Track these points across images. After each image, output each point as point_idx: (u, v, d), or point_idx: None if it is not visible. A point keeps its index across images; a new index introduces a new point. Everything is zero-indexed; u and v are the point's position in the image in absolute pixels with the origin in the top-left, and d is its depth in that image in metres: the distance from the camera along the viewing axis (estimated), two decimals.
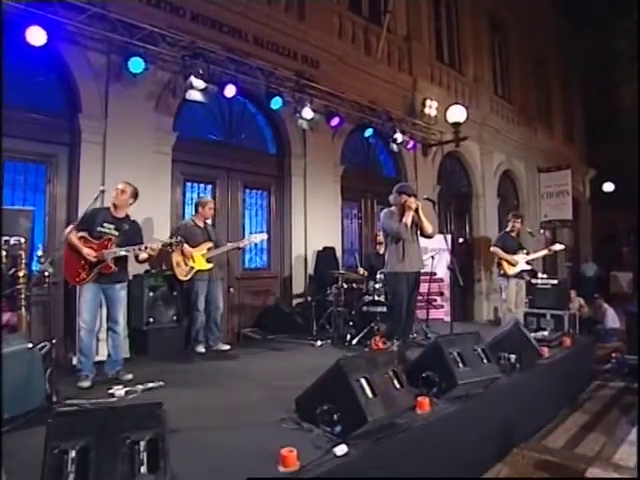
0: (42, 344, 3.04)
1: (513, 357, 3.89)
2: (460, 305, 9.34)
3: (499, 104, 11.70)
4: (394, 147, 7.65)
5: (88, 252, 3.63)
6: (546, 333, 5.24)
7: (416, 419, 2.79)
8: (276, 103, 6.08)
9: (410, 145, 8.14)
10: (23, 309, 3.74)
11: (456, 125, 8.56)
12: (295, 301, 6.65)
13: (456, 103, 8.54)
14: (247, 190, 6.61)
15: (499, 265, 5.83)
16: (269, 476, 2.09)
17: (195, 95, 5.17)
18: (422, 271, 8.03)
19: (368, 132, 7.51)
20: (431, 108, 8.66)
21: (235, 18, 6.10)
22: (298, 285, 6.74)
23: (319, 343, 5.22)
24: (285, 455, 2.16)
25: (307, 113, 6.23)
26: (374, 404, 2.44)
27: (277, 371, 4.02)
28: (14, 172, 4.61)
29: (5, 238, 3.93)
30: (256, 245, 6.61)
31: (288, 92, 6.30)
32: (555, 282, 6.17)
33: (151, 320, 4.75)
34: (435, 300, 8.35)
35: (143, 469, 1.72)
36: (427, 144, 9.02)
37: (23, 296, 3.74)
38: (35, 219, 4.26)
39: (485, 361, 3.28)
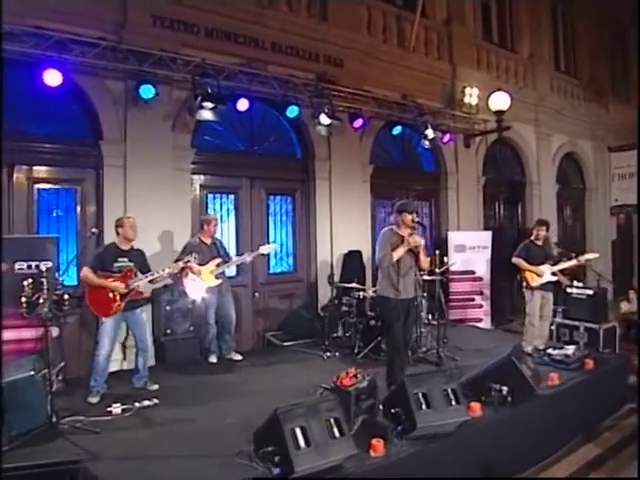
0: (44, 370, 3.46)
1: (505, 389, 3.72)
2: (509, 303, 8.84)
3: (561, 80, 10.67)
4: (425, 143, 7.33)
5: (117, 285, 4.00)
6: (569, 352, 4.86)
7: (367, 462, 2.82)
8: (292, 112, 6.10)
9: (446, 138, 7.74)
10: (47, 329, 4.24)
11: (499, 113, 7.99)
12: (321, 305, 6.76)
13: (499, 89, 7.93)
14: (271, 196, 6.75)
15: (522, 277, 5.46)
16: None
17: (206, 115, 5.34)
18: (460, 269, 7.93)
19: (396, 130, 7.27)
20: (471, 96, 8.12)
21: (250, 27, 6.13)
22: (325, 290, 6.82)
23: (327, 355, 5.33)
24: None
25: (324, 119, 6.16)
26: (305, 454, 2.52)
27: (268, 390, 4.17)
28: (47, 197, 5.13)
29: (35, 263, 4.48)
30: (281, 250, 6.83)
31: (306, 98, 6.27)
32: (590, 292, 5.66)
33: (168, 331, 5.15)
34: (473, 299, 8.06)
35: None
36: (469, 135, 8.53)
37: (47, 317, 4.23)
38: (60, 244, 4.76)
39: (453, 403, 3.18)
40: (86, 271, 4.03)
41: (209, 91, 5.30)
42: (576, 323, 5.64)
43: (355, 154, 7.19)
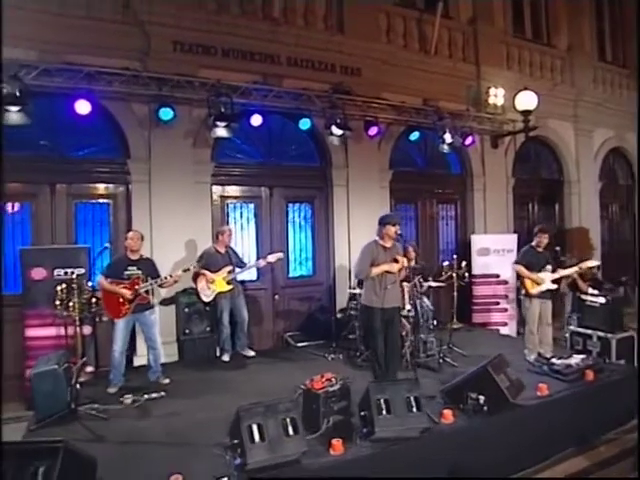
0: (64, 364, 4.04)
1: (482, 398, 3.83)
2: None
3: (606, 71, 10.10)
4: (444, 148, 7.34)
5: (125, 292, 4.58)
6: (573, 362, 4.79)
7: (323, 460, 3.10)
8: (305, 124, 6.41)
9: (469, 141, 7.69)
10: (77, 329, 4.90)
11: (526, 113, 7.78)
12: (339, 308, 7.03)
13: (526, 88, 7.72)
14: (290, 204, 7.11)
15: (522, 283, 5.41)
16: None
17: (220, 132, 5.78)
18: (484, 273, 7.86)
19: (414, 136, 7.34)
20: (497, 97, 7.99)
21: (265, 45, 6.49)
22: (343, 293, 7.06)
23: (332, 357, 5.62)
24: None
25: (336, 130, 6.40)
26: (259, 448, 2.85)
27: (265, 388, 4.45)
28: (83, 212, 5.82)
29: (70, 270, 5.14)
30: (300, 255, 7.20)
31: (320, 110, 6.53)
32: (604, 301, 5.49)
33: (187, 332, 5.68)
34: (498, 303, 7.95)
35: None
36: (496, 135, 8.38)
37: (76, 317, 4.89)
38: (95, 253, 5.42)
39: (414, 410, 3.36)
40: (100, 278, 4.63)
41: (222, 110, 5.72)
42: (589, 332, 5.49)
43: (373, 160, 7.35)
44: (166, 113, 5.56)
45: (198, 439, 3.45)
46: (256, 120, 6.08)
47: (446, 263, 7.29)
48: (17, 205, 5.56)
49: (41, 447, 2.62)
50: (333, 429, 3.47)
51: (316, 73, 6.87)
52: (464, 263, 7.30)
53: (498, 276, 7.95)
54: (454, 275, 7.13)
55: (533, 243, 5.44)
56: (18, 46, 4.99)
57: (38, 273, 5.09)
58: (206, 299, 5.53)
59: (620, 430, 4.64)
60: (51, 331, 5.03)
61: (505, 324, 7.86)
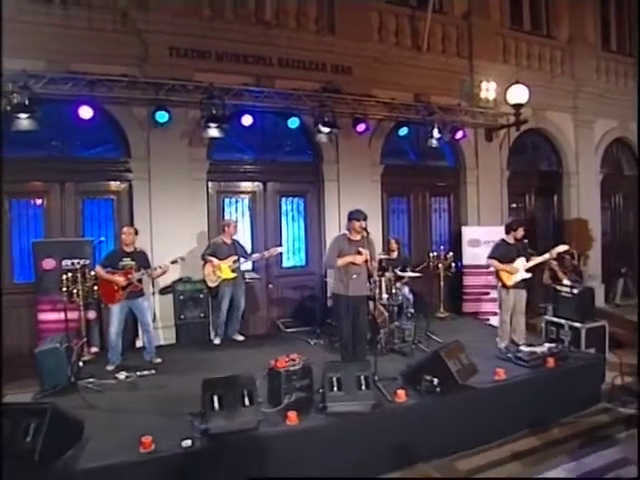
0: (65, 343, 4.59)
1: (435, 380, 4.17)
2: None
3: (610, 61, 10.02)
4: (433, 142, 7.56)
5: (119, 280, 5.10)
6: (538, 350, 5.05)
7: (278, 429, 3.54)
8: (293, 123, 6.77)
9: (459, 135, 7.90)
10: (81, 313, 5.46)
11: (517, 106, 7.90)
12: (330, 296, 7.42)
13: (517, 82, 7.83)
14: (283, 198, 7.51)
15: (497, 276, 5.66)
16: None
17: (212, 132, 6.19)
18: (474, 264, 8.09)
19: (402, 131, 7.59)
20: (488, 91, 8.13)
21: (257, 48, 6.83)
22: None
23: (314, 342, 6.04)
24: (143, 439, 3.22)
25: (323, 128, 6.74)
26: (217, 415, 3.31)
27: (245, 367, 4.70)
28: (90, 207, 6.37)
29: (76, 260, 5.70)
30: (293, 246, 7.62)
31: (309, 109, 6.87)
32: (576, 291, 5.69)
33: (182, 317, 6.19)
34: (488, 293, 8.17)
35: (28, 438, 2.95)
36: (490, 129, 8.54)
37: (81, 304, 5.45)
38: (97, 246, 5.96)
39: (364, 388, 3.74)
40: (97, 268, 5.16)
41: (214, 112, 6.14)
42: (562, 321, 5.71)
43: (364, 156, 7.65)
44: (162, 116, 6.02)
45: (175, 409, 3.91)
46: (247, 120, 6.48)
47: (434, 254, 7.60)
48: (31, 202, 6.14)
49: (32, 408, 3.16)
50: (294, 404, 3.87)
51: (307, 73, 7.19)
52: (451, 254, 7.58)
53: (488, 267, 8.09)
54: (440, 266, 7.43)
55: (504, 237, 5.66)
56: (26, 57, 5.50)
57: (48, 263, 5.67)
58: (211, 284, 6.06)
59: (580, 414, 4.90)
60: (60, 315, 5.60)
61: (495, 314, 8.01)
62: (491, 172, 8.69)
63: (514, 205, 9.24)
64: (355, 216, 4.69)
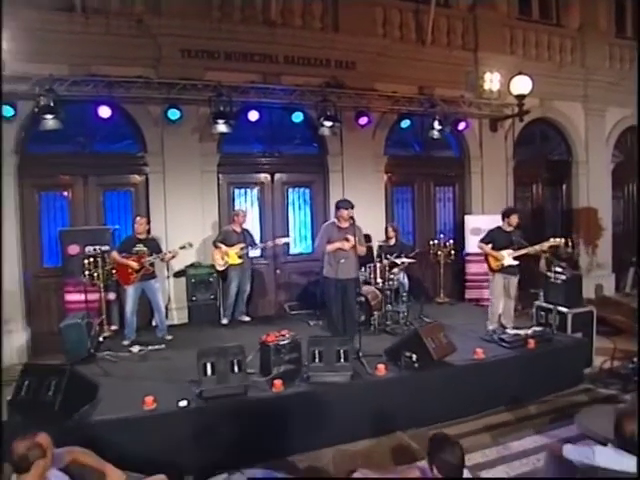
0: (86, 320, 5.17)
1: (415, 357, 4.53)
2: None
3: (624, 48, 9.90)
4: (435, 134, 7.79)
5: (133, 264, 5.65)
6: (522, 332, 5.32)
7: (265, 394, 4.00)
8: (297, 117, 7.14)
9: (462, 126, 8.09)
10: (102, 294, 6.06)
11: (520, 97, 8.03)
12: None
13: (520, 73, 7.94)
14: (290, 188, 7.93)
15: (486, 260, 5.92)
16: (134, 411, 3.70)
17: (220, 128, 6.64)
18: (476, 252, 8.33)
19: (405, 123, 7.86)
20: (492, 82, 8.27)
21: (264, 46, 7.23)
22: None
23: (313, 323, 6.47)
24: (146, 399, 3.74)
25: (326, 122, 7.09)
26: (209, 380, 3.79)
27: (244, 344, 5.37)
28: (110, 199, 6.96)
29: (98, 246, 6.29)
30: (300, 233, 8.05)
31: (312, 104, 7.23)
32: (564, 278, 5.89)
33: (193, 299, 6.73)
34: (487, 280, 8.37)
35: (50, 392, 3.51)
36: (495, 119, 8.68)
37: (102, 286, 6.05)
38: (115, 233, 6.54)
39: (342, 361, 4.14)
40: (114, 253, 5.72)
41: (221, 109, 6.59)
42: (551, 307, 5.93)
43: (367, 147, 7.96)
44: (173, 113, 6.51)
45: (177, 377, 4.42)
46: (253, 116, 6.90)
47: (435, 242, 7.88)
48: (58, 194, 6.78)
49: (54, 367, 3.73)
50: (283, 374, 4.31)
51: (312, 69, 7.52)
52: (450, 242, 7.84)
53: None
54: (439, 253, 7.72)
55: (500, 224, 5.89)
56: (51, 62, 6.07)
57: (73, 249, 6.28)
58: (219, 268, 6.59)
59: (559, 394, 5.16)
60: (84, 296, 6.22)
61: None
62: (496, 162, 8.84)
63: (520, 194, 9.35)
64: (343, 205, 5.06)
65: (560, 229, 9.61)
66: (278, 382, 4.07)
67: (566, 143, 9.65)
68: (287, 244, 7.43)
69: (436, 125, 7.65)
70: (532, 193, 9.58)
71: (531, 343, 5.17)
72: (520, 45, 9.03)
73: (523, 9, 9.23)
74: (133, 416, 3.70)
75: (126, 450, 3.34)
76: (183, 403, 3.76)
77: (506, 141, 8.92)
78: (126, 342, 5.65)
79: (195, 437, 3.67)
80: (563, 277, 5.92)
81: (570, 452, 2.64)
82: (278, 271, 7.82)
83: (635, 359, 5.56)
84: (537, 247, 5.71)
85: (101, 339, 5.68)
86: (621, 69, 9.80)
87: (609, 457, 2.46)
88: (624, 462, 2.40)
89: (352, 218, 4.97)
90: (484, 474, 3.69)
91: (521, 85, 7.92)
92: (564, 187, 9.80)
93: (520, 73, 7.93)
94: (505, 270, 5.77)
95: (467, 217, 8.46)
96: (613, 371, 5.67)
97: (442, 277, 7.88)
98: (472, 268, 8.35)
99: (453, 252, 7.73)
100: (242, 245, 6.57)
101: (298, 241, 8.05)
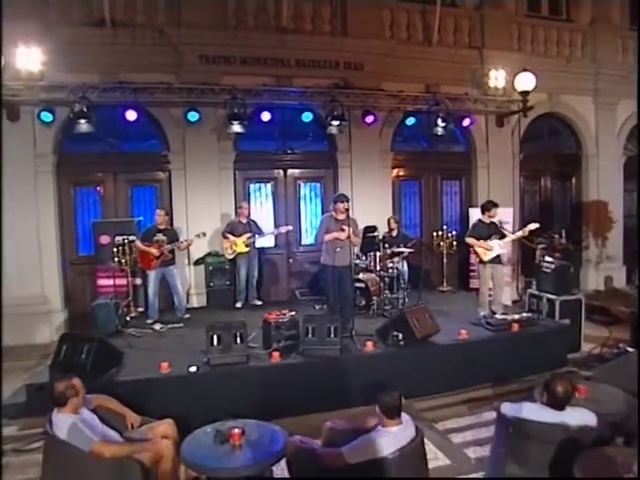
0: (115, 300, 5.90)
1: (401, 336, 5.01)
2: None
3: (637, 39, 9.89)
4: (439, 131, 8.14)
5: (153, 251, 6.34)
6: (509, 317, 5.69)
7: (264, 364, 4.59)
8: (307, 117, 7.65)
9: (467, 122, 8.41)
10: (129, 279, 6.79)
11: (525, 94, 8.27)
12: None
13: (525, 70, 8.18)
14: (302, 183, 8.48)
15: (475, 253, 6.29)
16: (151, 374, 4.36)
17: (235, 128, 7.24)
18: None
19: (410, 121, 8.24)
20: (497, 79, 8.53)
21: (276, 51, 7.77)
22: None
23: (318, 307, 7.02)
24: (162, 364, 4.40)
25: (334, 122, 7.58)
26: (215, 350, 4.42)
27: (252, 324, 5.96)
28: (137, 193, 7.70)
29: (126, 236, 7.01)
30: (311, 225, 8.59)
31: (320, 104, 7.73)
32: (554, 267, 6.20)
33: (211, 285, 7.40)
34: None
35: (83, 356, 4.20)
36: (501, 115, 8.94)
37: (129, 271, 6.77)
38: (140, 224, 7.26)
39: (332, 336, 4.67)
40: (137, 242, 6.42)
41: (235, 110, 7.18)
42: (541, 294, 6.27)
43: (374, 144, 8.39)
44: (193, 115, 7.14)
45: (191, 348, 5.04)
46: (265, 116, 7.46)
47: (438, 233, 8.27)
48: (91, 189, 7.56)
49: (86, 335, 4.45)
50: (282, 348, 4.88)
51: (322, 71, 8.00)
52: (453, 233, 8.21)
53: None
54: (441, 244, 8.11)
55: (480, 217, 6.27)
56: (84, 72, 6.82)
57: (105, 239, 7.03)
58: (228, 256, 7.21)
59: (540, 375, 5.49)
60: (113, 281, 6.97)
61: None
62: (502, 156, 9.09)
63: (528, 187, 9.58)
64: (339, 199, 5.57)
65: (569, 221, 9.81)
66: (276, 354, 4.65)
67: (575, 137, 9.78)
68: (293, 232, 7.92)
69: (440, 122, 7.99)
70: (540, 186, 9.78)
71: (515, 327, 5.55)
72: (528, 41, 9.21)
73: (532, 6, 9.39)
74: (151, 377, 4.36)
75: (144, 404, 3.97)
76: (193, 369, 4.38)
77: (513, 136, 9.15)
78: (149, 321, 6.35)
79: (201, 396, 4.29)
80: (552, 266, 6.23)
81: (506, 408, 3.10)
82: (291, 260, 8.40)
83: (621, 345, 5.86)
84: (519, 233, 6.08)
85: (128, 318, 6.39)
86: (630, 64, 9.81)
87: (533, 411, 2.91)
88: (545, 415, 2.85)
89: (347, 210, 5.47)
90: (452, 437, 4.16)
91: (525, 81, 8.15)
92: (573, 180, 9.95)
93: (524, 70, 8.18)
94: (492, 260, 6.13)
95: (471, 210, 8.76)
96: (601, 356, 5.96)
97: (445, 267, 8.26)
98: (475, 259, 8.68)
99: (455, 243, 8.09)
100: (249, 234, 7.15)
101: (309, 233, 8.59)
